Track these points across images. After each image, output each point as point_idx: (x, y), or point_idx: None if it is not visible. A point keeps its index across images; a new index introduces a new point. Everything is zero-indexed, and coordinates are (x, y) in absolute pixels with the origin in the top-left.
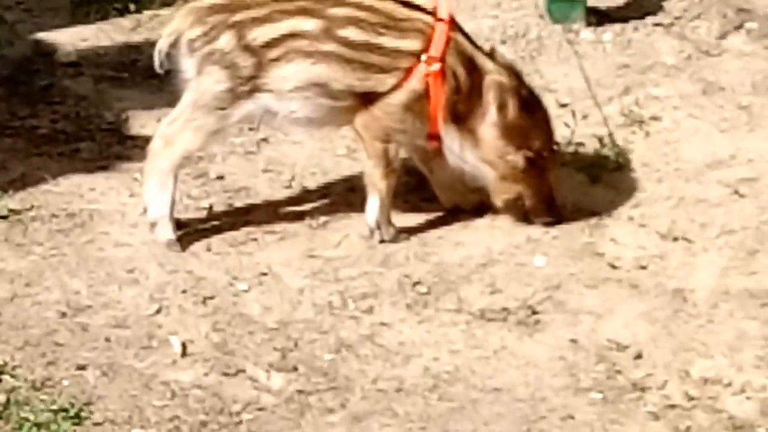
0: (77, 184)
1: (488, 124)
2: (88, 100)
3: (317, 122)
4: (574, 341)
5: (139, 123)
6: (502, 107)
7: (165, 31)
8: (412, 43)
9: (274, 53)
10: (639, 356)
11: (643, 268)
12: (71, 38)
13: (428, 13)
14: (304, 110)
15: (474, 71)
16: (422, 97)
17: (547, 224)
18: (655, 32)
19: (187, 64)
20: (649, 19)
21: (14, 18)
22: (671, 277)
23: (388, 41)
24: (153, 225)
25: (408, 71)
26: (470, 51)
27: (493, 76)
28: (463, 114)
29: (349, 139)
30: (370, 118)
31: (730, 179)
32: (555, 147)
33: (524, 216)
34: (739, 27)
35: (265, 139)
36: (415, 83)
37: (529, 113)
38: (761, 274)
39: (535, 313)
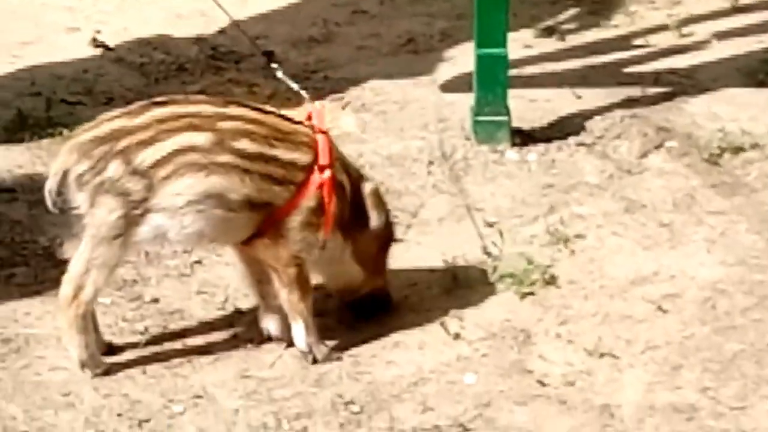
0: (12, 309)
1: (368, 229)
2: (22, 226)
3: (209, 237)
4: None
5: (75, 247)
6: (379, 213)
7: (51, 170)
8: (303, 156)
9: (163, 172)
10: None
11: (571, 384)
12: (6, 164)
13: (305, 125)
14: (197, 224)
15: (349, 178)
16: (317, 209)
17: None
18: (578, 152)
19: (79, 200)
20: (572, 139)
21: None
22: (598, 393)
23: (282, 153)
24: (83, 365)
25: (301, 186)
26: (343, 159)
27: (369, 184)
28: (345, 219)
29: None
30: (278, 248)
31: (653, 295)
32: None
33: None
34: (659, 146)
35: (198, 262)
36: (309, 199)
37: (388, 214)
38: (685, 389)
39: (466, 431)
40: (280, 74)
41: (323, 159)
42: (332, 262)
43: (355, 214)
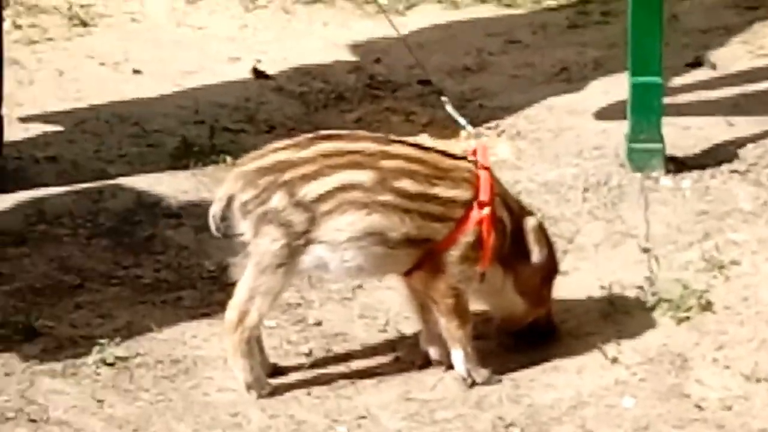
0: (181, 331)
1: (529, 263)
2: (189, 250)
3: (368, 271)
4: None
5: (240, 271)
6: (541, 248)
7: (217, 196)
8: (463, 193)
9: (326, 206)
10: None
11: (728, 408)
12: (172, 190)
13: (468, 160)
14: (357, 259)
15: (510, 213)
16: (475, 244)
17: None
18: (732, 179)
19: (244, 227)
20: (725, 167)
21: (117, 171)
22: (756, 417)
23: (443, 191)
24: (249, 387)
25: (460, 221)
26: (505, 194)
27: (531, 219)
28: (504, 252)
29: None
30: (435, 280)
31: None
32: None
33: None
34: None
35: (360, 286)
36: (468, 235)
37: (551, 247)
38: None
39: None
40: (449, 108)
41: (484, 195)
42: (493, 293)
43: (516, 249)
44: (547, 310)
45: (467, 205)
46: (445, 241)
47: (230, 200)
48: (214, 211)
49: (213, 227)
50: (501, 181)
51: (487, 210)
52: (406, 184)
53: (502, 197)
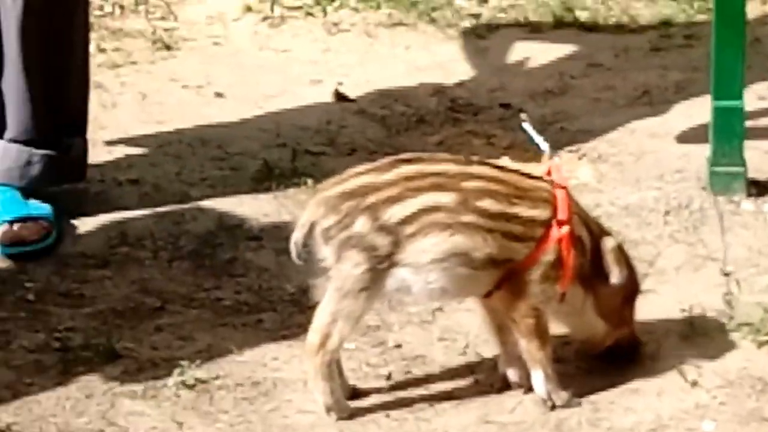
0: (261, 353)
1: (609, 283)
2: (269, 273)
3: (451, 293)
4: None
5: (320, 293)
6: (621, 268)
7: (299, 222)
8: (542, 212)
9: (409, 229)
10: None
11: None
12: (253, 212)
13: (545, 180)
14: (441, 281)
15: (590, 232)
16: (556, 263)
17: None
18: None
19: (325, 252)
20: None
21: (198, 194)
22: None
23: (523, 210)
24: (328, 410)
25: (540, 241)
26: (583, 213)
27: (610, 239)
28: (584, 272)
29: None
30: (516, 300)
31: None
32: None
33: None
34: None
35: (439, 309)
36: (548, 254)
37: (631, 267)
38: None
39: None
40: (526, 126)
41: (562, 214)
42: (573, 313)
43: (596, 268)
44: (630, 331)
45: (546, 224)
46: (526, 260)
47: (312, 227)
48: (296, 238)
49: (294, 254)
50: (581, 203)
51: (566, 228)
52: (488, 204)
53: (581, 216)
